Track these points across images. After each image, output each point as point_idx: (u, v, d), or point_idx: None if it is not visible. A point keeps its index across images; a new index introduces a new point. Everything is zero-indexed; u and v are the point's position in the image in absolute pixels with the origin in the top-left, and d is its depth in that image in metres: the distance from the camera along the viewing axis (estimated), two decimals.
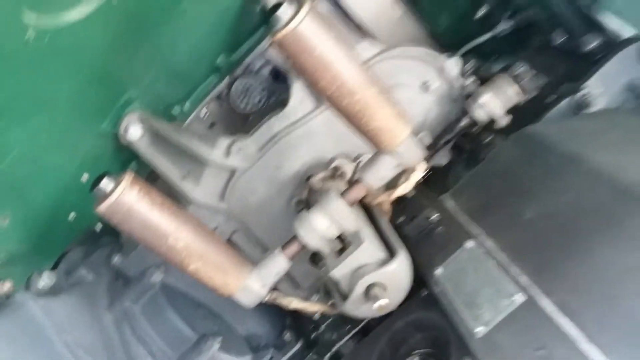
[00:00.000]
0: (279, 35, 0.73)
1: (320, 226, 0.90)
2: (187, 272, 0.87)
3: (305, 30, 0.73)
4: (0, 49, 0.81)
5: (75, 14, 0.89)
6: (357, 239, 0.90)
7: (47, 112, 0.99)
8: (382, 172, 0.90)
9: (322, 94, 0.81)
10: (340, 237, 0.94)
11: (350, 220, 0.91)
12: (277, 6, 0.73)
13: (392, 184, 1.02)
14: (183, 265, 0.86)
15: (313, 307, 1.02)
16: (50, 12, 0.85)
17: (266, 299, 0.94)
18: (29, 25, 0.82)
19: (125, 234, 0.83)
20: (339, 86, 0.78)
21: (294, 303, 0.99)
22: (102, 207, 0.78)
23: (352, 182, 0.94)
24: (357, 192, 0.93)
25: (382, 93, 0.82)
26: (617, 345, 0.62)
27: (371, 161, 0.91)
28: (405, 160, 0.89)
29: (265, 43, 1.36)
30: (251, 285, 0.91)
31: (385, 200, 1.01)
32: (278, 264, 0.92)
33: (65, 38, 0.89)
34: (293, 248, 0.93)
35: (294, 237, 0.93)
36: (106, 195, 0.77)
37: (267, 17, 0.75)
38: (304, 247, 0.93)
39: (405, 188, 0.94)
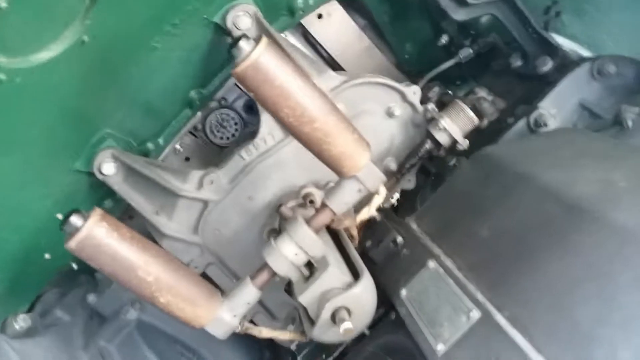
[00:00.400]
0: (240, 67, 0.76)
1: (288, 253, 0.92)
2: (158, 305, 0.88)
3: (265, 61, 0.77)
4: None
5: (45, 54, 0.91)
6: (323, 264, 0.92)
7: (19, 152, 1.01)
8: (345, 198, 0.93)
9: (284, 123, 0.84)
10: (308, 264, 0.96)
11: (317, 246, 0.93)
12: (236, 41, 0.77)
13: (357, 209, 1.05)
14: (154, 299, 0.88)
15: (284, 334, 1.03)
16: (20, 54, 0.88)
17: (238, 329, 0.95)
18: None
19: (96, 268, 0.85)
20: (300, 114, 0.82)
21: (264, 332, 1.00)
22: (72, 243, 0.80)
23: (318, 208, 0.96)
24: (323, 218, 0.95)
25: (342, 120, 0.85)
26: (564, 354, 0.64)
27: (335, 187, 0.93)
28: (367, 185, 0.91)
29: None
30: (222, 316, 0.92)
31: (351, 225, 1.04)
32: (248, 293, 0.94)
33: (36, 78, 0.91)
34: (263, 277, 0.95)
35: (264, 266, 0.95)
36: (75, 231, 0.79)
37: (229, 50, 0.78)
38: (273, 275, 0.95)
39: (368, 212, 0.97)
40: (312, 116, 0.82)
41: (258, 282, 0.95)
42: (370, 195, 0.97)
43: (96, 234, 0.80)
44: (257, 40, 0.78)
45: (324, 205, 0.94)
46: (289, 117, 0.82)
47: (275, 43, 0.80)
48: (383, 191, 0.95)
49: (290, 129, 0.85)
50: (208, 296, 0.92)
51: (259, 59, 0.77)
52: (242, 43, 0.77)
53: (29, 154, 1.03)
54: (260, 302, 1.28)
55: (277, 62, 0.79)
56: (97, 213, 0.82)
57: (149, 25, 1.07)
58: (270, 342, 1.26)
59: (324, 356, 1.24)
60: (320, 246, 0.93)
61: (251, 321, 1.18)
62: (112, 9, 0.96)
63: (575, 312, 0.67)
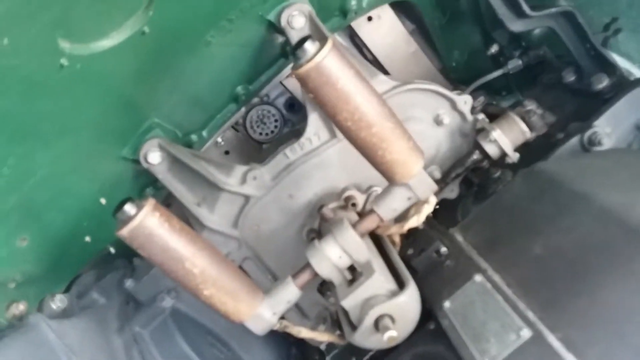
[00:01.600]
0: (304, 68, 0.76)
1: (332, 256, 0.92)
2: (201, 297, 0.89)
3: (329, 64, 0.76)
4: (33, 75, 0.85)
5: (107, 42, 0.93)
6: (368, 269, 0.91)
7: (71, 137, 1.02)
8: (394, 204, 0.92)
9: (340, 126, 0.84)
10: (350, 268, 0.95)
11: (362, 250, 0.92)
12: (302, 41, 0.77)
13: (401, 217, 1.04)
14: (198, 291, 0.88)
15: (322, 336, 1.03)
16: (84, 41, 0.89)
17: (276, 327, 0.95)
18: (62, 52, 0.86)
19: (145, 257, 0.85)
20: (358, 118, 0.81)
21: (303, 332, 1.00)
22: (125, 231, 0.80)
23: (365, 213, 0.96)
24: (370, 223, 0.94)
25: (399, 126, 0.85)
26: None
27: (384, 193, 0.93)
28: (417, 193, 0.90)
29: (282, 74, 1.41)
30: (262, 313, 0.92)
31: (396, 232, 1.03)
32: (289, 292, 0.94)
33: (95, 65, 0.93)
34: (304, 277, 0.95)
35: (306, 266, 0.95)
36: (128, 220, 0.80)
37: (293, 51, 0.78)
38: (315, 276, 0.95)
39: (416, 220, 0.96)
40: (370, 121, 0.82)
41: (299, 281, 0.95)
42: (416, 202, 0.96)
43: (148, 224, 0.81)
44: (322, 42, 0.78)
45: (371, 211, 0.94)
46: (347, 121, 0.82)
47: (339, 46, 0.79)
48: (433, 200, 0.94)
49: (346, 133, 0.85)
50: (250, 292, 0.92)
51: (324, 61, 0.76)
52: (308, 44, 0.77)
53: (80, 138, 1.05)
54: None
55: (340, 66, 0.78)
56: (150, 203, 0.82)
57: (207, 20, 1.08)
58: (299, 340, 1.26)
59: (354, 359, 1.24)
60: (364, 251, 0.93)
61: (283, 318, 1.19)
62: (174, 2, 0.97)
63: (635, 339, 0.66)
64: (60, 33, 0.85)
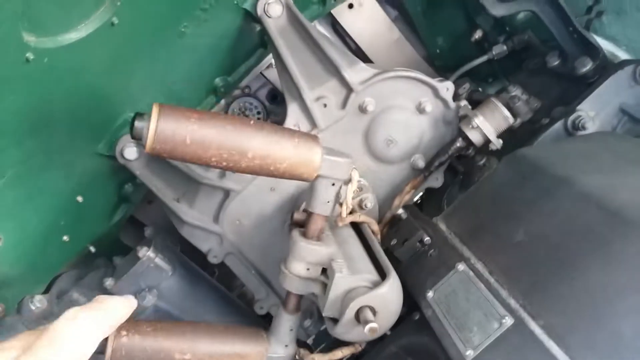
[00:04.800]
0: (147, 147, 0.76)
1: (300, 272, 0.91)
2: None
3: (165, 130, 0.76)
4: None
5: (75, 35, 0.90)
6: (330, 271, 0.89)
7: (43, 134, 1.00)
8: (323, 197, 0.89)
9: (218, 168, 0.82)
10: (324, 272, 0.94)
11: (321, 254, 0.90)
12: (132, 123, 0.77)
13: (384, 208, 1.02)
14: None
15: (336, 355, 1.02)
16: (50, 33, 0.86)
17: (297, 358, 0.97)
18: (28, 46, 0.83)
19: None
20: (229, 156, 0.79)
21: (317, 357, 1.00)
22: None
23: (307, 217, 0.93)
24: (315, 225, 0.92)
25: (272, 133, 0.82)
26: None
27: (309, 192, 0.91)
28: (336, 176, 0.87)
29: (262, 65, 1.38)
30: (274, 352, 0.94)
31: (344, 220, 1.02)
32: (287, 321, 0.95)
33: (64, 59, 0.90)
34: (292, 302, 0.95)
35: (288, 293, 0.95)
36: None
37: (132, 136, 0.78)
38: (300, 297, 0.95)
39: (347, 203, 0.96)
40: (241, 150, 0.80)
41: (290, 308, 0.96)
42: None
43: (121, 346, 0.80)
44: (149, 112, 0.77)
45: (310, 213, 0.92)
46: (221, 162, 0.80)
47: (166, 107, 0.79)
48: (355, 175, 0.92)
49: (231, 170, 0.84)
50: (251, 342, 0.92)
51: (158, 130, 0.76)
52: (137, 123, 0.77)
53: (52, 135, 1.02)
54: (278, 296, 1.26)
55: (177, 124, 0.77)
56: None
57: (179, 9, 1.05)
58: None
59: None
60: (323, 253, 0.91)
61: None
62: None
63: (617, 323, 0.64)
64: (25, 26, 0.82)
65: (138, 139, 0.78)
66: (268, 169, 0.82)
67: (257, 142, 0.80)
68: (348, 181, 0.93)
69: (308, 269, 0.90)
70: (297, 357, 0.97)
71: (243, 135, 0.80)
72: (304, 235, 0.92)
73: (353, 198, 1.05)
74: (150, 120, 0.76)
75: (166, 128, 0.76)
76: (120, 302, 0.76)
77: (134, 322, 0.82)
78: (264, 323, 1.25)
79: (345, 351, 1.03)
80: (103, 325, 0.72)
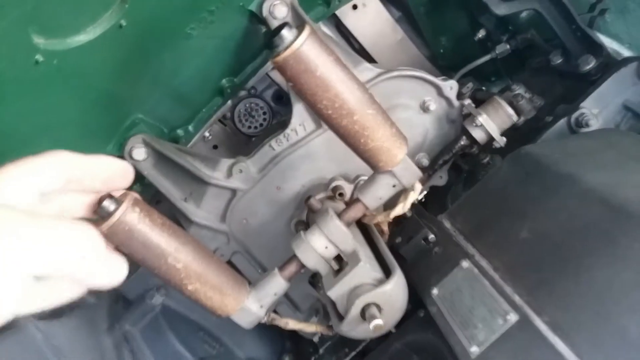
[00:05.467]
0: (281, 57, 0.74)
1: (317, 246, 0.91)
2: (185, 293, 0.87)
3: (307, 51, 0.74)
4: (7, 72, 0.83)
5: (83, 37, 0.91)
6: (354, 259, 0.90)
7: (52, 136, 1.01)
8: (379, 192, 0.91)
9: (321, 115, 0.82)
10: (337, 258, 0.94)
11: (348, 240, 0.91)
12: (278, 29, 0.74)
13: (390, 205, 1.03)
14: (182, 286, 0.87)
15: (310, 327, 1.02)
16: (59, 35, 0.87)
17: (264, 320, 0.94)
18: (37, 48, 0.84)
19: (126, 254, 0.84)
20: (339, 106, 0.79)
21: (290, 324, 0.99)
22: (104, 228, 0.78)
23: (350, 202, 0.94)
24: (355, 212, 0.93)
25: (381, 113, 0.83)
26: None
27: (369, 181, 0.92)
28: (402, 180, 0.89)
29: (268, 66, 1.39)
30: (249, 306, 0.91)
31: (383, 220, 1.02)
32: (276, 284, 0.93)
33: (73, 61, 0.91)
34: (291, 269, 0.94)
35: (292, 258, 0.94)
36: (108, 216, 0.78)
37: (269, 40, 0.76)
38: (302, 268, 0.94)
39: (402, 208, 0.95)
40: (351, 109, 0.80)
41: (286, 274, 0.93)
42: (403, 190, 0.95)
43: (128, 219, 0.78)
44: (300, 29, 0.76)
45: (356, 200, 0.93)
46: (328, 109, 0.80)
47: (317, 33, 0.77)
48: (418, 187, 0.93)
49: (327, 121, 0.83)
50: (236, 286, 0.90)
51: (301, 48, 0.74)
52: (285, 31, 0.75)
53: (62, 136, 1.03)
54: (285, 293, 1.27)
55: (318, 52, 0.76)
56: (130, 198, 0.80)
57: (186, 11, 1.06)
58: (292, 333, 1.25)
59: (346, 350, 1.23)
60: (350, 240, 0.92)
61: (275, 312, 1.17)
62: None
63: (622, 320, 0.64)
64: (34, 28, 0.83)
65: (99, 215, 0.73)
66: (359, 139, 0.82)
67: (368, 112, 0.81)
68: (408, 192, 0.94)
69: (326, 247, 0.90)
70: (266, 319, 0.94)
71: (362, 99, 0.80)
72: (339, 216, 0.92)
73: None
74: (298, 35, 0.74)
75: (309, 50, 0.74)
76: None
77: (148, 206, 0.79)
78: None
79: (319, 328, 1.03)
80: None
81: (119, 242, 0.79)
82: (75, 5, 0.87)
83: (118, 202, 0.78)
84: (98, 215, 0.77)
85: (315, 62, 0.75)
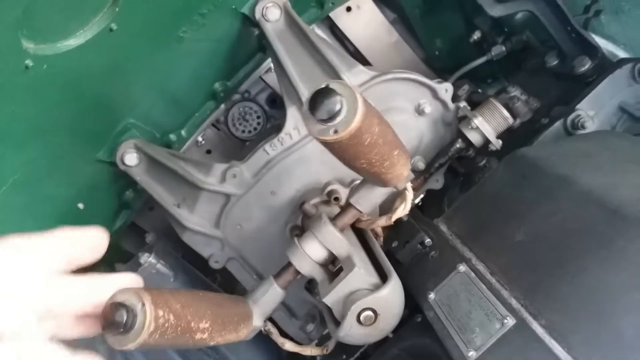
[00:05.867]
0: (334, 137, 0.63)
1: (312, 253, 0.90)
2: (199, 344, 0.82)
3: (362, 128, 0.65)
4: None
5: (73, 41, 0.90)
6: (349, 264, 0.89)
7: (44, 140, 1.00)
8: (372, 197, 0.90)
9: (353, 169, 0.78)
10: (333, 263, 0.93)
11: (342, 245, 0.90)
12: (323, 97, 0.63)
13: (384, 207, 1.02)
14: (205, 345, 0.83)
15: (305, 351, 1.01)
16: (49, 40, 0.86)
17: (262, 330, 0.94)
18: (27, 53, 0.83)
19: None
20: (375, 162, 0.74)
21: (287, 345, 0.99)
22: (132, 345, 0.60)
23: (344, 207, 0.93)
24: (349, 218, 0.92)
25: (395, 140, 0.77)
26: None
27: (361, 187, 0.90)
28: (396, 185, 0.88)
29: (261, 69, 1.38)
30: (255, 325, 0.89)
31: (384, 224, 1.01)
32: (273, 294, 0.92)
33: (63, 65, 0.90)
34: (287, 276, 0.92)
35: (287, 265, 0.92)
36: (131, 331, 0.59)
37: (310, 109, 0.64)
38: (297, 275, 0.92)
39: (403, 210, 0.94)
40: (384, 158, 0.75)
41: (282, 282, 0.92)
42: (398, 192, 0.94)
43: (156, 326, 0.61)
44: (349, 98, 0.64)
45: (349, 205, 0.91)
46: (363, 165, 0.75)
47: (367, 101, 0.68)
48: (410, 189, 0.92)
49: (358, 172, 0.81)
50: (245, 316, 0.87)
51: (359, 126, 0.64)
52: (339, 109, 0.63)
53: (53, 141, 1.02)
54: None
55: (370, 124, 0.67)
56: (147, 302, 0.60)
57: (178, 14, 1.05)
58: (290, 339, 1.24)
59: (344, 356, 1.21)
60: (345, 245, 0.90)
61: (271, 320, 1.16)
62: None
63: (619, 321, 0.64)
64: (24, 33, 0.83)
65: (327, 117, 0.64)
66: (378, 176, 0.79)
67: (394, 151, 0.76)
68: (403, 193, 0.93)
69: (321, 253, 0.89)
70: (264, 329, 0.93)
71: (391, 147, 0.75)
72: (333, 221, 0.90)
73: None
74: (355, 114, 0.63)
75: (364, 127, 0.65)
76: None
77: (162, 296, 0.64)
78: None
79: (315, 351, 1.03)
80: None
81: (152, 346, 0.64)
82: (65, 10, 0.86)
83: (130, 309, 0.59)
84: (108, 330, 0.61)
85: (367, 133, 0.68)
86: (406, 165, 0.83)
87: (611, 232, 0.71)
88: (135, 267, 1.21)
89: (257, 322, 0.89)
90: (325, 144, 0.68)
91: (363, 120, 0.64)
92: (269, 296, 0.91)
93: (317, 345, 1.09)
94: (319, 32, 1.50)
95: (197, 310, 0.71)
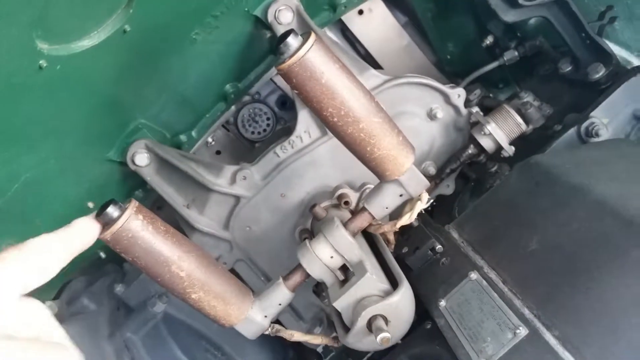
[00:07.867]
0: (287, 63, 0.73)
1: (323, 256, 0.89)
2: (188, 301, 0.86)
3: (312, 58, 0.73)
4: (12, 77, 0.83)
5: (87, 42, 0.90)
6: (360, 269, 0.88)
7: (56, 140, 1.00)
8: (385, 202, 0.89)
9: (326, 123, 0.81)
10: (343, 268, 0.93)
11: (354, 250, 0.90)
12: (284, 36, 0.73)
13: (396, 214, 1.01)
14: (185, 295, 0.85)
15: (315, 339, 1.00)
16: (63, 41, 0.87)
17: (268, 331, 0.93)
18: (41, 53, 0.83)
19: (129, 261, 0.83)
20: (345, 114, 0.78)
21: (295, 336, 0.97)
22: (107, 234, 0.77)
23: (356, 212, 0.93)
24: (361, 222, 0.92)
25: (387, 121, 0.82)
26: None
27: (375, 190, 0.90)
28: (409, 190, 0.88)
29: (272, 71, 1.38)
30: (253, 316, 0.89)
31: (389, 230, 1.00)
32: (281, 294, 0.91)
33: (76, 66, 0.90)
34: (296, 278, 0.92)
35: (297, 267, 0.92)
36: (111, 222, 0.76)
37: (275, 46, 0.75)
38: (307, 277, 0.92)
39: (409, 218, 0.93)
40: (357, 116, 0.79)
41: (291, 283, 0.92)
42: (409, 199, 0.93)
43: (132, 226, 0.77)
44: (305, 36, 0.75)
45: (362, 209, 0.91)
46: (333, 117, 0.79)
47: (322, 40, 0.76)
48: (425, 197, 0.91)
49: (333, 129, 0.82)
50: (240, 295, 0.89)
51: (307, 55, 0.73)
52: (290, 39, 0.74)
53: (65, 141, 1.02)
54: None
55: (324, 60, 0.75)
56: (133, 205, 0.79)
57: (191, 16, 1.05)
58: (296, 342, 1.24)
59: None
60: (357, 250, 0.90)
61: (278, 321, 1.16)
62: None
63: (633, 334, 0.63)
64: (38, 34, 0.83)
65: (102, 222, 0.75)
66: (365, 147, 0.81)
67: (374, 119, 0.80)
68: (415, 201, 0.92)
69: (332, 257, 0.89)
70: (270, 330, 0.93)
71: (368, 107, 0.79)
72: (345, 225, 0.90)
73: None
74: (303, 43, 0.73)
75: (315, 58, 0.73)
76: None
77: (152, 214, 0.80)
78: None
79: (324, 340, 1.02)
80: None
81: (122, 249, 0.79)
82: (79, 11, 0.87)
83: (122, 208, 0.77)
84: (101, 221, 0.76)
85: (321, 69, 0.74)
86: (406, 158, 0.83)
87: (626, 243, 0.70)
88: None
89: (258, 316, 0.89)
90: (284, 76, 0.75)
91: (313, 52, 0.73)
92: (275, 294, 0.91)
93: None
94: (330, 35, 1.50)
95: (179, 244, 0.81)
